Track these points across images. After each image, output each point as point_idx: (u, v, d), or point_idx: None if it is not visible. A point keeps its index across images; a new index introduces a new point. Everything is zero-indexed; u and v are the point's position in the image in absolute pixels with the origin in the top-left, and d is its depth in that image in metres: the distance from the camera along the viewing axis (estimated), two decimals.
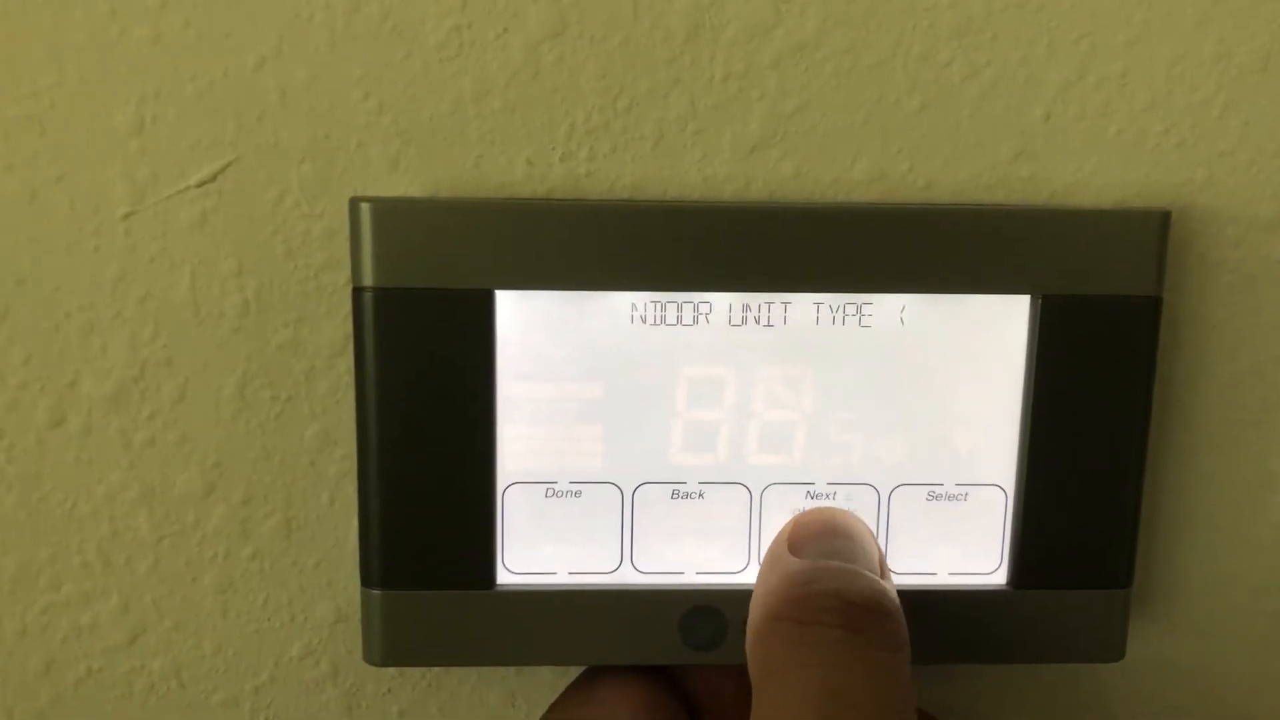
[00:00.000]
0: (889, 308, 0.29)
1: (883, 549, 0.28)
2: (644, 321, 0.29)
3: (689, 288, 0.28)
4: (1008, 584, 0.30)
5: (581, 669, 0.31)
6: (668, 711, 0.29)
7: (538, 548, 0.30)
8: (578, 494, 0.29)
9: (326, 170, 0.29)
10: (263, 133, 0.29)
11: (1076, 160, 0.30)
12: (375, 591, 0.29)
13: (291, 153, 0.29)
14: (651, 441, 0.29)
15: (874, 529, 0.30)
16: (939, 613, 0.30)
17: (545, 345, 0.28)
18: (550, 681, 0.33)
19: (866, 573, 0.26)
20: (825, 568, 0.26)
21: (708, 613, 0.30)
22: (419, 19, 0.29)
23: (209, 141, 0.29)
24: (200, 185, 0.29)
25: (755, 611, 0.26)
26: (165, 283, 0.30)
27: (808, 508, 0.29)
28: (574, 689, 0.30)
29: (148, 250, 0.30)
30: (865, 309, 0.29)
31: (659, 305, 0.29)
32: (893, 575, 0.30)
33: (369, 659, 0.30)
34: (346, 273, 0.30)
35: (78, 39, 0.28)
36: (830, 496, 0.30)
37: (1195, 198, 0.31)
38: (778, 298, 0.29)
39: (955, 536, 0.30)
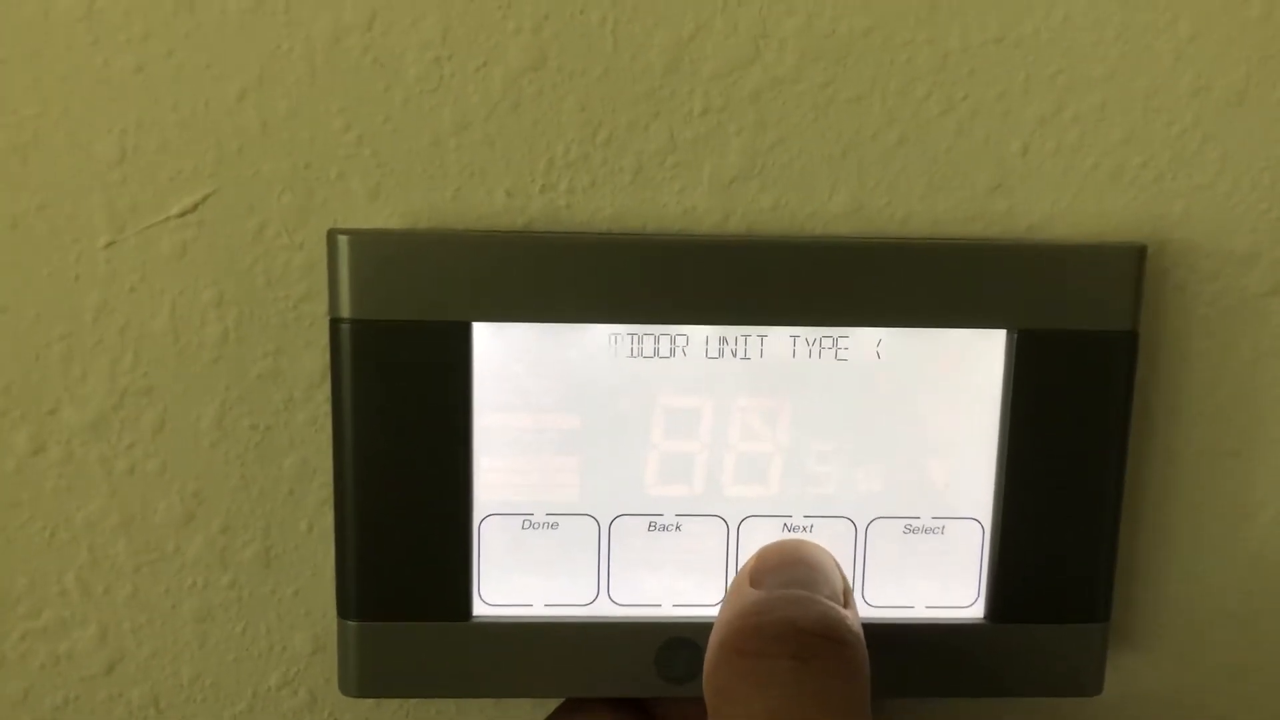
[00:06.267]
0: (866, 341, 0.29)
1: (849, 580, 0.28)
2: (621, 353, 0.29)
3: (667, 320, 0.28)
4: (985, 617, 0.30)
5: (558, 701, 0.31)
6: None
7: (514, 579, 0.30)
8: (554, 525, 0.29)
9: (306, 201, 0.29)
10: (243, 164, 0.29)
11: (1053, 194, 0.30)
12: (351, 622, 0.29)
13: (272, 184, 0.29)
14: (628, 473, 0.29)
15: (851, 562, 0.30)
16: (916, 646, 0.30)
17: (522, 377, 0.29)
18: (529, 713, 0.33)
19: (823, 599, 0.25)
20: (779, 597, 0.26)
21: (684, 645, 0.29)
22: (399, 51, 0.29)
23: (190, 172, 0.29)
24: (181, 215, 0.30)
25: (710, 643, 0.26)
26: (145, 312, 0.30)
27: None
28: None
29: (128, 279, 0.30)
30: (842, 342, 0.29)
31: (637, 337, 0.29)
32: (866, 606, 0.30)
33: (345, 690, 0.30)
34: (326, 304, 0.30)
35: (60, 69, 0.29)
36: (807, 529, 0.30)
37: (1173, 231, 0.31)
38: (755, 330, 0.29)
39: (932, 569, 0.30)
